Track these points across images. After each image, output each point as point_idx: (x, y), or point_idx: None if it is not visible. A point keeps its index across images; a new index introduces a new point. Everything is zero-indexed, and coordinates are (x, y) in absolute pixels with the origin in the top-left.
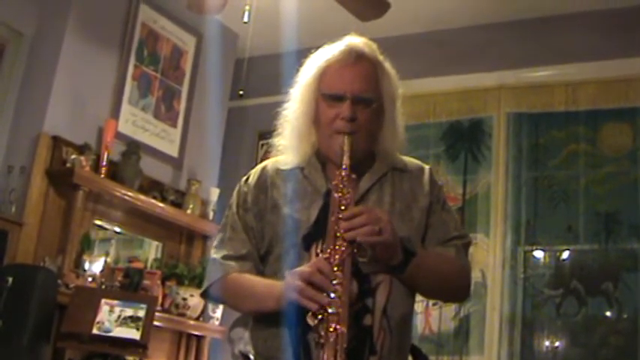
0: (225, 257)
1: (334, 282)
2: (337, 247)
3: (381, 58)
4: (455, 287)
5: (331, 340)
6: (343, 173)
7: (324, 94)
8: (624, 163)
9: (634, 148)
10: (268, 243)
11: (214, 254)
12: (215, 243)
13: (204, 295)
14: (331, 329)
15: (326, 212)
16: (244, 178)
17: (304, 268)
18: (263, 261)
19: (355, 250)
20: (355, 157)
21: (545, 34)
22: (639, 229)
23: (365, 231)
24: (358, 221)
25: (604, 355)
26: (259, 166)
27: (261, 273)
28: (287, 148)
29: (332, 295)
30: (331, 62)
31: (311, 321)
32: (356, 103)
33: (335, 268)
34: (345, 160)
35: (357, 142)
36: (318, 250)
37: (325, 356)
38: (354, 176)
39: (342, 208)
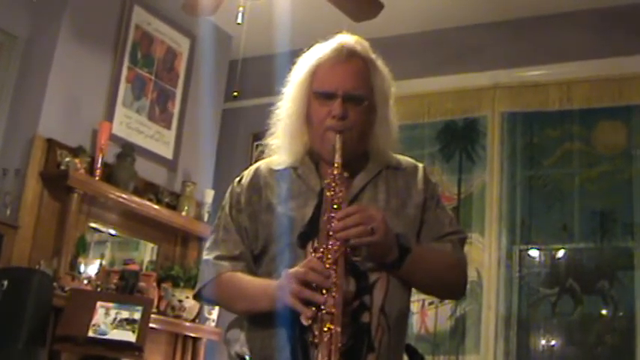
0: (217, 257)
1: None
2: (330, 247)
3: (372, 55)
4: (452, 282)
5: (325, 339)
6: (335, 171)
7: (316, 92)
8: (618, 162)
9: (628, 146)
10: (263, 243)
11: (206, 255)
12: (207, 244)
13: (198, 296)
14: (325, 329)
15: (321, 210)
16: (237, 179)
17: (298, 269)
18: (257, 261)
19: (349, 250)
20: (347, 155)
21: (538, 34)
22: (634, 228)
23: (357, 231)
24: (351, 221)
25: (600, 353)
26: (252, 167)
27: (253, 273)
28: (280, 148)
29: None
30: (323, 60)
31: (305, 321)
32: (347, 100)
33: (328, 267)
34: (337, 158)
35: (349, 140)
36: (312, 249)
37: (320, 356)
38: (346, 174)
39: (335, 206)
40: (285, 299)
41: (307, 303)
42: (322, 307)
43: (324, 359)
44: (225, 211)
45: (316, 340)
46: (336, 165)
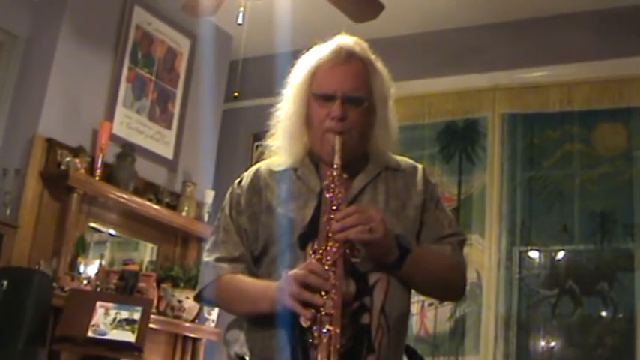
0: (217, 259)
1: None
2: (329, 248)
3: (372, 57)
4: (451, 284)
5: (325, 341)
6: (335, 173)
7: (315, 94)
8: (619, 163)
9: (628, 148)
10: (263, 244)
11: (207, 257)
12: (207, 246)
13: (198, 298)
14: (325, 330)
15: (320, 212)
16: (237, 180)
17: (297, 271)
18: (257, 262)
19: (348, 251)
20: (347, 157)
21: (539, 35)
22: (634, 229)
23: (356, 231)
24: (350, 221)
25: (600, 354)
26: (252, 169)
27: (254, 274)
28: (280, 149)
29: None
30: (322, 62)
31: (304, 323)
32: (346, 102)
33: (327, 268)
34: (337, 160)
35: (349, 142)
36: (311, 251)
37: (319, 357)
38: (345, 176)
39: (334, 208)
40: (285, 301)
41: (307, 305)
42: (321, 308)
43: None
44: (225, 212)
45: (316, 342)
46: (335, 166)
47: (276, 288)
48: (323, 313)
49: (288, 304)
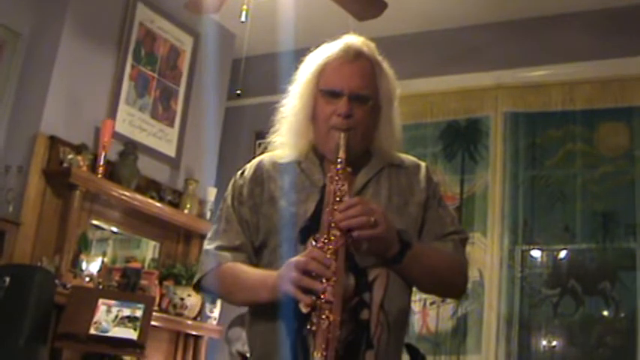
0: (218, 248)
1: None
2: (331, 238)
3: (379, 57)
4: (452, 282)
5: (324, 327)
6: (339, 166)
7: (322, 90)
8: (621, 163)
9: (631, 147)
10: (264, 235)
11: (207, 245)
12: (209, 235)
13: (197, 287)
14: (323, 317)
15: (322, 206)
16: (240, 171)
17: (299, 258)
18: (258, 254)
19: (349, 241)
20: (351, 154)
21: (542, 34)
22: (636, 228)
23: (359, 221)
24: (352, 212)
25: (601, 354)
26: (255, 160)
27: (254, 265)
28: (284, 144)
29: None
30: (330, 59)
31: (303, 309)
32: (353, 100)
33: (328, 257)
34: (341, 154)
35: (353, 139)
36: (313, 240)
37: (317, 344)
38: (349, 169)
39: (337, 199)
40: (285, 287)
41: (307, 291)
42: (321, 296)
43: (321, 347)
44: (227, 202)
45: (314, 329)
46: (339, 160)
47: (277, 276)
48: (323, 300)
49: (289, 290)
